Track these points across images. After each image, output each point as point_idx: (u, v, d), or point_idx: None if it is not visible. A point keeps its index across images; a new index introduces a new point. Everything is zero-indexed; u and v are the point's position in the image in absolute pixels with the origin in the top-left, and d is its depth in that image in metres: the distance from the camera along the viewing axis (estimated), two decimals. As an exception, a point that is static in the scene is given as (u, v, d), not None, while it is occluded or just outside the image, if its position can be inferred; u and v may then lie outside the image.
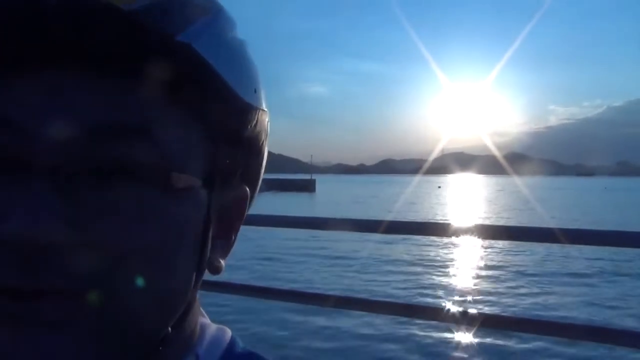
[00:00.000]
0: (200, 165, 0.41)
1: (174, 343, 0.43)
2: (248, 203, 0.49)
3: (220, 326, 0.51)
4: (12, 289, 0.33)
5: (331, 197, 63.31)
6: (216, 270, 0.46)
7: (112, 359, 0.36)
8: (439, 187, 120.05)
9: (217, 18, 0.40)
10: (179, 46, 0.35)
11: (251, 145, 0.46)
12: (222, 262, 0.47)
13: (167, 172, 0.37)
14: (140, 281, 0.36)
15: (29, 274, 0.33)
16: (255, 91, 0.44)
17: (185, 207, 0.39)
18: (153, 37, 0.35)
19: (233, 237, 0.48)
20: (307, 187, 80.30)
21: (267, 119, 0.46)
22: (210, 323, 0.50)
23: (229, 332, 0.51)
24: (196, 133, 0.40)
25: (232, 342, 0.49)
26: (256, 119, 0.44)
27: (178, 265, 0.39)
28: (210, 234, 0.44)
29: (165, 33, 0.35)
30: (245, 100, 0.42)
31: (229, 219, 0.47)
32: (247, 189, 0.49)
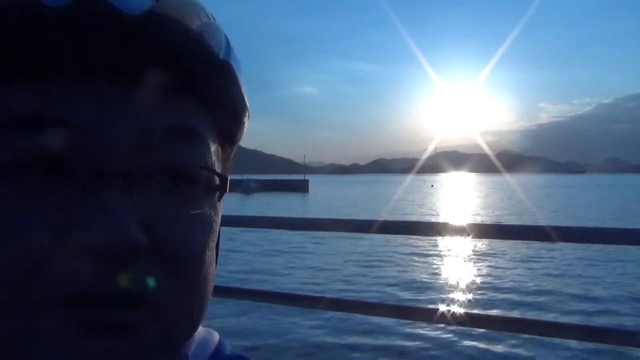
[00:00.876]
0: (220, 168, 0.44)
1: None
2: None
3: (208, 329, 0.51)
4: (95, 296, 0.33)
5: (325, 198, 63.24)
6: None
7: None
8: (432, 185, 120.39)
9: (227, 37, 0.42)
10: (221, 63, 0.40)
11: (235, 146, 0.49)
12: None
13: (222, 178, 0.40)
14: (194, 286, 0.38)
15: (107, 281, 0.33)
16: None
17: (217, 210, 0.42)
18: (207, 54, 0.38)
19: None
20: (301, 187, 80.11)
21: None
22: None
23: (216, 335, 0.51)
24: (218, 140, 0.43)
25: (220, 345, 0.50)
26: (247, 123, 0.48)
27: (213, 267, 0.41)
28: None
29: (213, 51, 0.39)
30: (248, 110, 0.46)
31: None
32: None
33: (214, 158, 0.41)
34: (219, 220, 0.42)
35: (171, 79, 0.37)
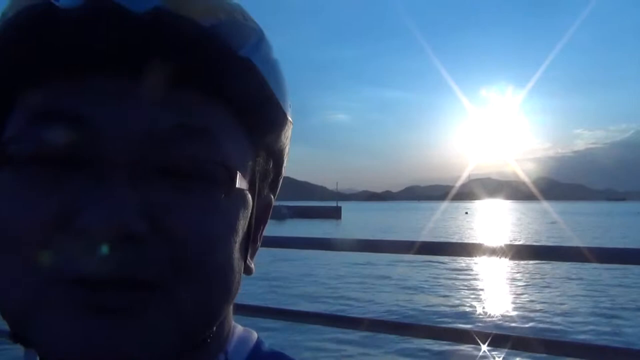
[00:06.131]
0: (248, 170, 0.44)
1: (216, 338, 0.45)
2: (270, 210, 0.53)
3: (247, 328, 0.53)
4: (90, 279, 0.34)
5: (358, 225, 62.84)
6: (250, 271, 0.48)
7: (173, 350, 0.38)
8: (466, 212, 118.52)
9: (264, 37, 0.43)
10: (241, 61, 0.40)
11: (280, 155, 0.50)
12: (253, 264, 0.49)
13: (229, 173, 0.40)
14: (204, 275, 0.38)
15: (106, 263, 0.34)
16: (290, 105, 0.47)
17: (238, 207, 0.42)
18: (222, 51, 0.39)
19: (259, 241, 0.51)
20: (333, 214, 79.78)
21: (291, 131, 0.50)
22: (236, 324, 0.52)
23: (255, 334, 0.52)
24: (245, 140, 0.44)
25: (258, 342, 0.51)
26: (289, 131, 0.49)
27: (233, 263, 0.41)
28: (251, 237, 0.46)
29: (231, 48, 0.39)
30: (286, 114, 0.46)
31: (258, 224, 0.49)
32: (272, 196, 0.52)
33: (232, 157, 0.41)
34: (241, 217, 0.42)
35: (180, 76, 0.37)
